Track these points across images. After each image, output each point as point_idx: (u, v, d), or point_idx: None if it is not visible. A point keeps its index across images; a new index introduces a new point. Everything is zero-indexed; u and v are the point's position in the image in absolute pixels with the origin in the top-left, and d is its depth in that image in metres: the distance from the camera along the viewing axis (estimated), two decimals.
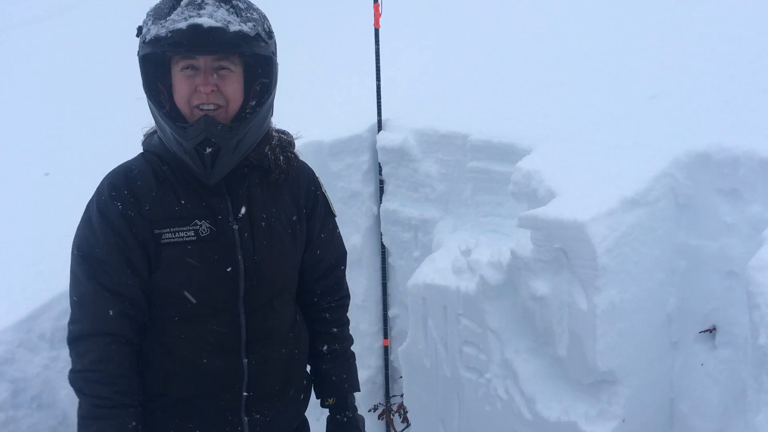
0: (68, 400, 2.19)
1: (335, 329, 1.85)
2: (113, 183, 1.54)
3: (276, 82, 1.59)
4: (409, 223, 3.33)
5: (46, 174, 3.08)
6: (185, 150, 1.49)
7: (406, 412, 3.11)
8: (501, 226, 2.95)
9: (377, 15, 3.38)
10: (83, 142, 3.76)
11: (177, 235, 1.51)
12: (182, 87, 1.49)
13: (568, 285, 2.19)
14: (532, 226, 2.24)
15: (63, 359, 2.23)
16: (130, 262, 1.49)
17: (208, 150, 1.48)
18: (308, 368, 1.85)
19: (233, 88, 1.52)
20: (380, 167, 3.44)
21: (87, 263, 1.49)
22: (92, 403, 1.46)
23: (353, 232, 3.49)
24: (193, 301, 1.53)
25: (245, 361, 1.60)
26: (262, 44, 1.51)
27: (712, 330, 2.31)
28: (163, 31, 1.41)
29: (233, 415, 1.61)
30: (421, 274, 2.83)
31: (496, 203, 2.98)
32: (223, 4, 1.46)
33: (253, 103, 1.57)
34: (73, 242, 1.54)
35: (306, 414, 1.86)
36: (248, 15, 1.49)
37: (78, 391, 1.49)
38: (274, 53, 1.57)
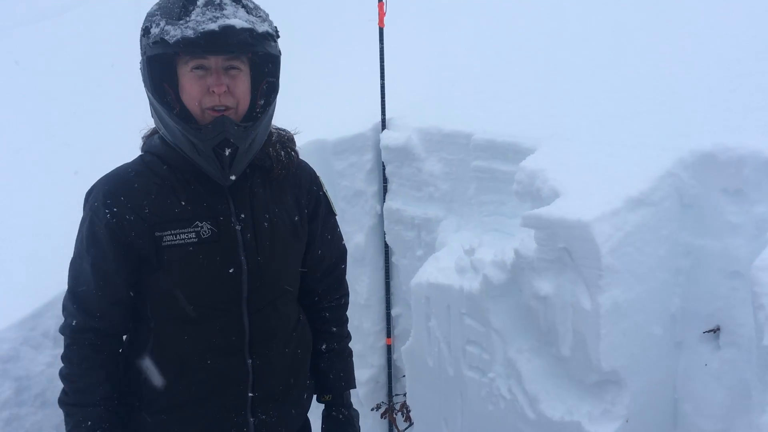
0: None
1: (335, 328, 1.86)
2: (106, 189, 1.53)
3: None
4: (413, 222, 3.32)
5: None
6: (199, 151, 1.47)
7: (409, 411, 3.12)
8: (504, 226, 2.94)
9: (381, 14, 3.38)
10: (83, 141, 3.76)
11: (178, 237, 1.51)
12: (193, 87, 1.47)
13: (571, 285, 2.18)
14: (535, 225, 2.24)
15: None
16: (106, 275, 1.52)
17: (228, 151, 1.47)
18: None
19: (243, 88, 1.51)
20: (384, 166, 3.43)
21: (73, 267, 1.57)
22: (60, 398, 1.58)
23: (356, 231, 3.49)
24: (196, 302, 1.53)
25: (249, 361, 1.60)
26: (273, 43, 1.51)
27: (716, 330, 2.30)
28: (189, 33, 1.37)
29: (239, 416, 1.61)
30: (425, 273, 2.83)
31: (499, 202, 2.98)
32: (238, 5, 1.46)
33: (262, 101, 1.57)
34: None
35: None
36: (260, 14, 1.50)
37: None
38: (281, 52, 1.57)
